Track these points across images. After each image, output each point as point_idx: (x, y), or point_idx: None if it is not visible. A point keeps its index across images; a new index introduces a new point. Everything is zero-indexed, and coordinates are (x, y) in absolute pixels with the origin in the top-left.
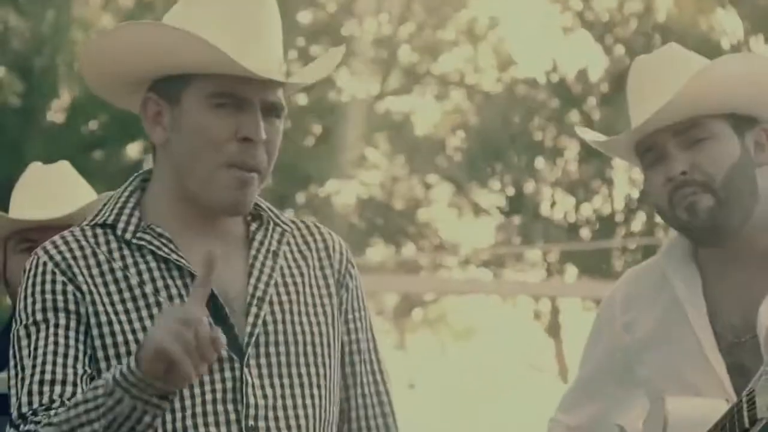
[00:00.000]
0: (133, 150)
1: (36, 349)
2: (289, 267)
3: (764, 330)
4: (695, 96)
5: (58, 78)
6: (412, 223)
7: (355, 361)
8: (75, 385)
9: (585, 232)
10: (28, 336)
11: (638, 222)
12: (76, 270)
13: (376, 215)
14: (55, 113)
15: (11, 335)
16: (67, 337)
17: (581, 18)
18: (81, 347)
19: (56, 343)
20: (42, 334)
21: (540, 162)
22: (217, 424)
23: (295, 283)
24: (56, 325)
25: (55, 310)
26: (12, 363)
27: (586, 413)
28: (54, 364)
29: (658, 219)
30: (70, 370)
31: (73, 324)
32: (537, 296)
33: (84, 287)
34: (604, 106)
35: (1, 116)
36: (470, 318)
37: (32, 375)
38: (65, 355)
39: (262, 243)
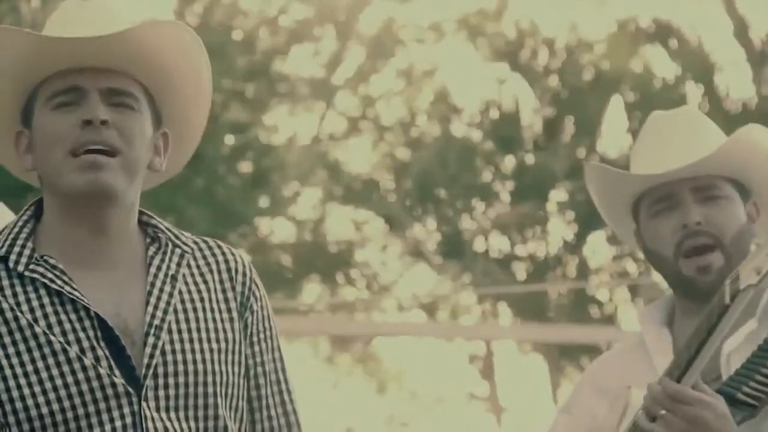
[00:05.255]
0: None
1: None
2: (189, 292)
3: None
4: (728, 156)
5: None
6: (348, 264)
7: (260, 384)
8: None
9: (520, 276)
10: None
11: (572, 266)
12: None
13: (310, 256)
14: None
15: None
16: None
17: (515, 62)
18: None
19: None
20: None
21: (476, 203)
22: None
23: (195, 309)
24: None
25: None
26: None
27: None
28: None
29: (591, 263)
30: None
31: None
32: (471, 338)
33: None
34: (537, 151)
35: None
36: (405, 360)
37: None
38: None
39: (159, 268)
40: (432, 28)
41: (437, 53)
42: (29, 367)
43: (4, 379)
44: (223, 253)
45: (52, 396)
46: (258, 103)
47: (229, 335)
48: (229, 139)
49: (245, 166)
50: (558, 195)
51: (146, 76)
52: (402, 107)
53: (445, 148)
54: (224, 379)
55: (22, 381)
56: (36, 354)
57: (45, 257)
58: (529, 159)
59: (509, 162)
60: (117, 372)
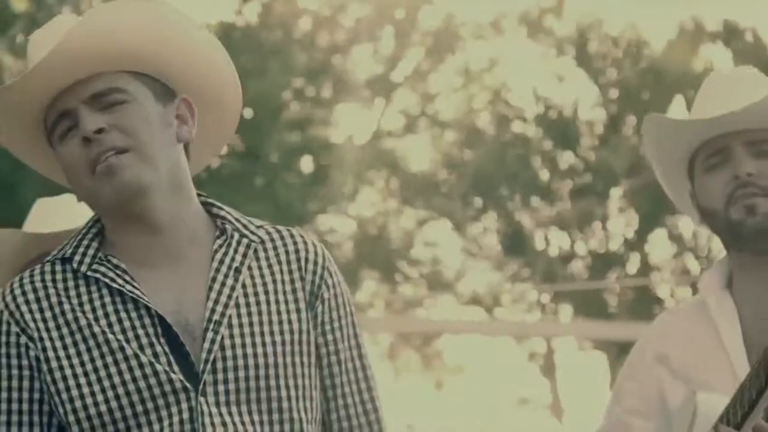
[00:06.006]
0: None
1: None
2: (254, 284)
3: None
4: None
5: None
6: (407, 261)
7: (334, 372)
8: None
9: (581, 273)
10: None
11: (633, 264)
12: (28, 317)
13: (370, 253)
14: None
15: None
16: (20, 402)
17: (576, 59)
18: (35, 408)
19: (9, 412)
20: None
21: (535, 201)
22: None
23: (258, 302)
24: (9, 389)
25: (9, 367)
26: None
27: None
28: None
29: (652, 260)
30: None
31: (27, 384)
32: (531, 336)
33: (35, 334)
34: (599, 148)
35: None
36: (465, 357)
37: None
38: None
39: (222, 261)
40: (491, 24)
41: (496, 50)
42: (88, 367)
43: (64, 378)
44: (295, 243)
45: (110, 394)
46: (317, 101)
47: (295, 326)
48: (289, 137)
49: (305, 164)
50: (619, 192)
51: (118, 61)
52: (461, 104)
53: (504, 145)
54: (292, 370)
55: (82, 380)
56: (95, 353)
57: (108, 257)
58: (590, 156)
59: (569, 159)
60: (176, 368)
